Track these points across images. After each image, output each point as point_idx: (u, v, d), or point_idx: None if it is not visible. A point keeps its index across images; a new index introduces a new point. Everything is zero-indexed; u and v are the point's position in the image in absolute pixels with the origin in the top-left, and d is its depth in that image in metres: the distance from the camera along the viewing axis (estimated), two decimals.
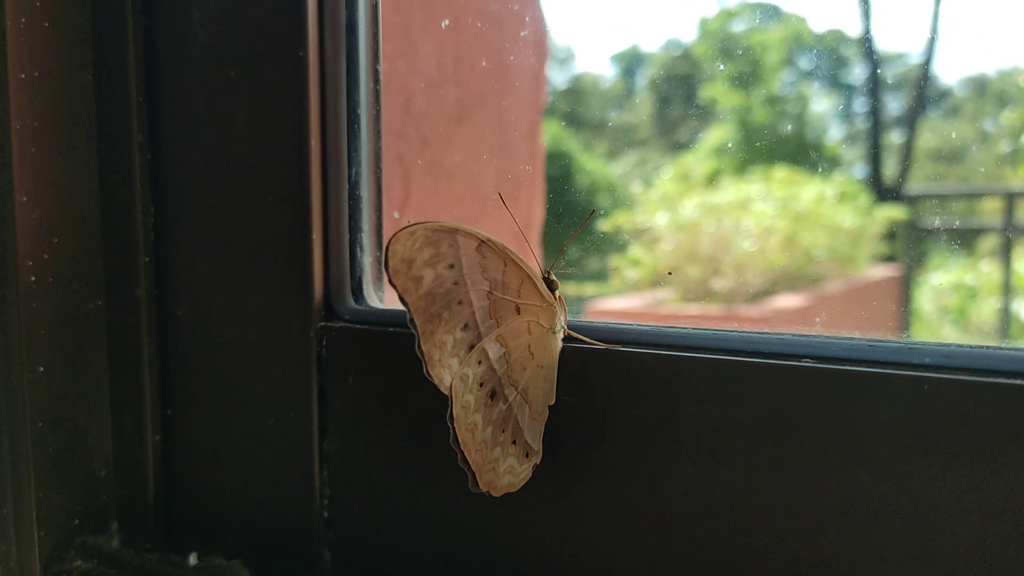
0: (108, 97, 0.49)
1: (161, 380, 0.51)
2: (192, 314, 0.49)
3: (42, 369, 0.49)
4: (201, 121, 0.48)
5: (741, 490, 0.36)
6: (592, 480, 0.39)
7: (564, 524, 0.40)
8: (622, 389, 0.38)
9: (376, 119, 0.46)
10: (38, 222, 0.48)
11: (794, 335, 0.35)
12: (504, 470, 0.37)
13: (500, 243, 0.35)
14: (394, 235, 0.32)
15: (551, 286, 0.37)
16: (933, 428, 0.31)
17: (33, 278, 0.48)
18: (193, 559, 0.50)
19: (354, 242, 0.46)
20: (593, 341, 0.38)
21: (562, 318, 0.38)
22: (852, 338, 0.34)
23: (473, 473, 0.36)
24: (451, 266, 0.34)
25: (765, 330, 0.36)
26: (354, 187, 0.46)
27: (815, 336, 0.35)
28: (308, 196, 0.45)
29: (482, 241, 0.34)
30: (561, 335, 0.38)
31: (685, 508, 0.37)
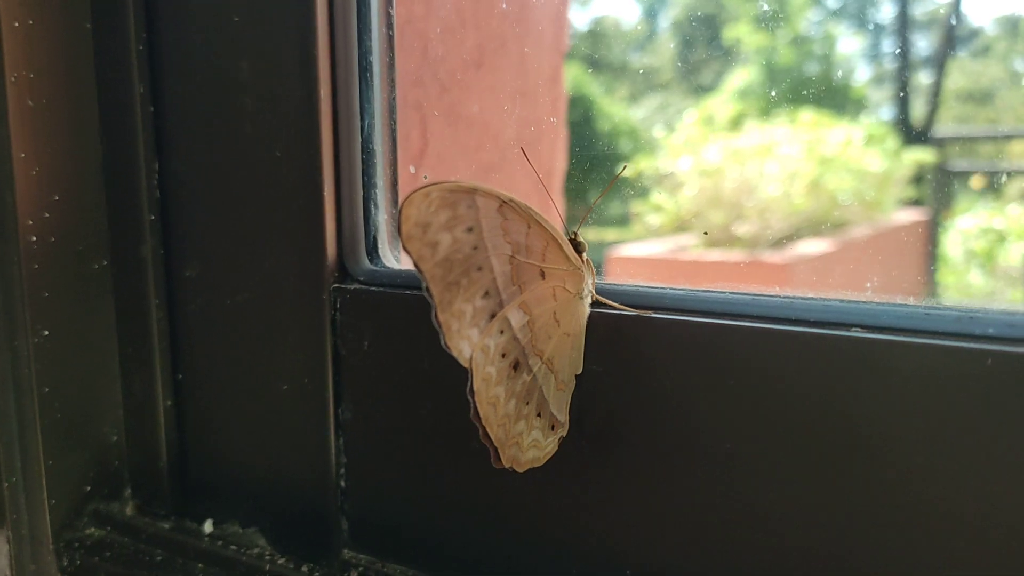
0: (107, 47, 0.47)
1: (171, 343, 0.49)
2: (201, 275, 0.47)
3: (47, 333, 0.47)
4: (204, 71, 0.45)
5: (785, 468, 0.33)
6: (622, 455, 0.37)
7: (590, 500, 0.38)
8: (654, 358, 0.35)
9: (390, 67, 0.43)
10: (38, 179, 0.46)
11: (842, 301, 0.33)
12: (528, 444, 0.35)
13: (523, 203, 0.32)
14: (407, 197, 0.30)
15: (578, 248, 0.35)
16: (997, 406, 0.29)
17: (34, 238, 0.46)
18: (208, 526, 0.49)
19: (368, 199, 0.44)
20: (623, 307, 0.36)
21: (590, 282, 0.35)
22: (906, 305, 0.31)
23: (495, 448, 0.34)
24: (470, 229, 0.31)
25: (810, 295, 0.33)
26: (367, 140, 0.43)
27: (866, 302, 0.32)
28: (318, 150, 0.42)
29: (504, 201, 0.32)
30: (589, 300, 0.36)
31: (722, 487, 0.35)
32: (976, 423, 0.29)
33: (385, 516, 0.44)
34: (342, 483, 0.45)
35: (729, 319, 0.34)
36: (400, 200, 0.31)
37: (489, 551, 0.41)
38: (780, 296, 0.34)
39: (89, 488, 0.50)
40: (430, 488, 0.43)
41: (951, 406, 0.30)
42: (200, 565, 0.46)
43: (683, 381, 0.35)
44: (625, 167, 0.36)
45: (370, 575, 0.44)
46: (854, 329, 0.31)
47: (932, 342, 0.30)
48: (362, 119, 0.43)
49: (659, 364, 0.35)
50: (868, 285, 0.33)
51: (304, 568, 0.45)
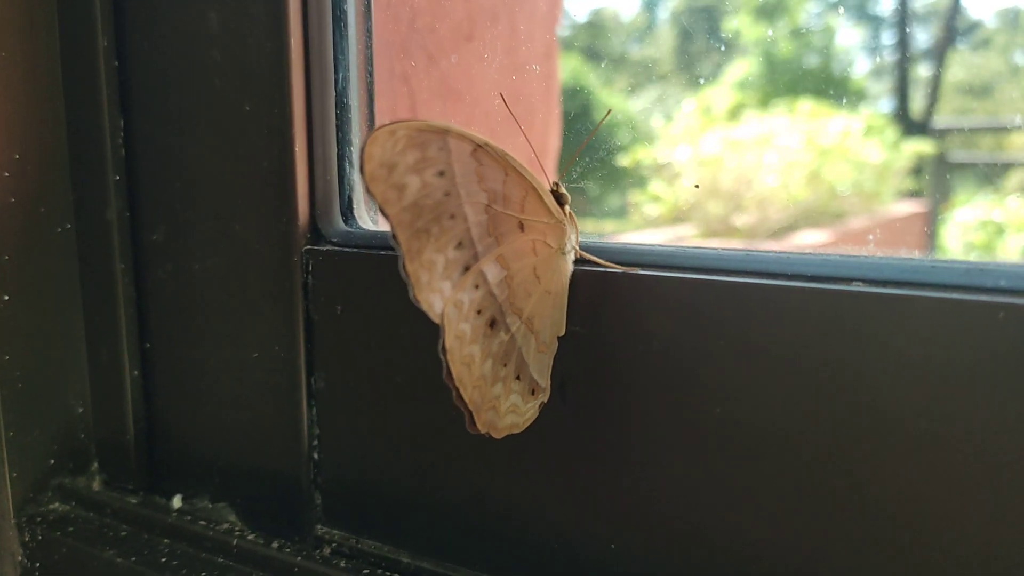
0: None
1: (138, 310, 0.47)
2: (168, 239, 0.45)
3: (7, 298, 0.45)
4: (171, 22, 0.43)
5: (781, 434, 0.31)
6: (606, 421, 0.35)
7: (573, 470, 0.36)
8: (642, 318, 0.33)
9: (366, 15, 0.41)
10: None
11: (842, 256, 0.30)
12: (506, 409, 0.32)
13: (499, 148, 0.30)
14: (370, 134, 0.27)
15: (560, 200, 0.32)
16: (1010, 362, 0.27)
17: None
18: (177, 502, 0.47)
19: (342, 156, 0.41)
20: (609, 263, 0.34)
21: (573, 237, 0.33)
22: (911, 258, 0.29)
23: (471, 412, 0.31)
24: (441, 173, 0.29)
25: (808, 250, 0.31)
26: (341, 94, 0.41)
27: (867, 256, 0.30)
28: (289, 104, 0.40)
29: (478, 145, 0.29)
30: (572, 256, 0.33)
31: (714, 455, 0.33)
32: (987, 380, 0.27)
33: (360, 490, 0.42)
34: (315, 455, 0.43)
35: (721, 275, 0.32)
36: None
37: (468, 525, 0.39)
38: (775, 251, 0.31)
39: (53, 462, 0.48)
40: (407, 460, 0.40)
41: (960, 363, 0.27)
42: (166, 541, 0.44)
43: (672, 342, 0.33)
44: (610, 112, 0.34)
45: (344, 551, 0.42)
46: (855, 283, 0.29)
47: (939, 295, 0.28)
48: (336, 72, 0.41)
49: (647, 324, 0.33)
50: (870, 238, 0.31)
51: (275, 544, 0.43)
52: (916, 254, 0.29)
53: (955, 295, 0.27)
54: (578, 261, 0.34)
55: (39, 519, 0.46)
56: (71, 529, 0.46)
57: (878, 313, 0.28)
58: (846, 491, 0.30)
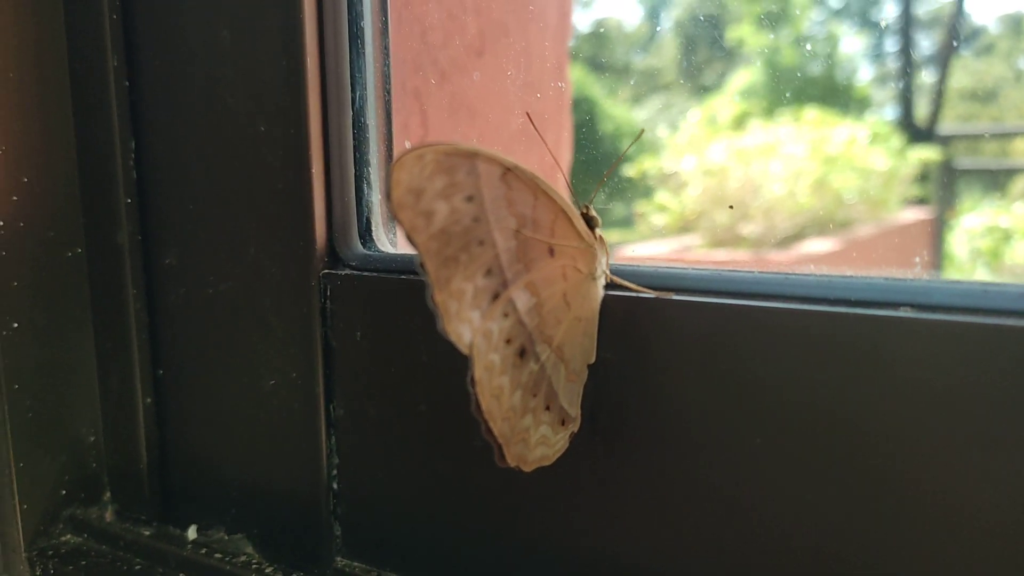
0: (79, 17, 0.44)
1: (150, 337, 0.46)
2: (181, 263, 0.44)
3: (16, 326, 0.44)
4: (183, 40, 0.42)
5: (824, 466, 0.30)
6: (640, 453, 0.33)
7: (604, 502, 0.35)
8: (676, 345, 0.32)
9: (383, 33, 0.40)
10: (5, 160, 0.43)
11: (887, 279, 0.29)
12: (536, 441, 0.31)
13: (529, 170, 0.29)
14: (397, 159, 0.26)
15: (591, 223, 0.31)
16: None
17: (1, 223, 0.43)
18: (192, 533, 0.46)
19: (360, 177, 0.40)
20: (641, 288, 0.32)
21: (604, 261, 0.32)
22: (961, 282, 0.28)
23: (500, 445, 0.30)
24: (470, 198, 0.28)
25: (851, 274, 0.30)
26: (359, 114, 0.40)
27: (914, 280, 0.29)
28: (305, 124, 0.39)
29: (508, 168, 0.28)
30: (603, 281, 0.32)
31: (754, 487, 0.31)
32: None
33: (381, 521, 0.41)
34: (335, 485, 0.41)
35: (759, 300, 0.30)
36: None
37: (494, 559, 0.38)
38: (816, 275, 0.30)
39: (65, 492, 0.47)
40: (430, 490, 0.39)
41: (1019, 392, 0.26)
42: (182, 574, 0.43)
43: (707, 370, 0.31)
44: (643, 131, 0.33)
45: None
46: (903, 308, 0.28)
47: (994, 321, 0.26)
48: (353, 91, 0.40)
49: (681, 351, 0.32)
50: (916, 260, 0.30)
51: None
52: (967, 277, 0.28)
53: (1011, 321, 0.26)
54: (609, 286, 0.33)
55: (51, 552, 0.45)
56: (83, 563, 0.44)
57: (929, 340, 0.27)
58: (896, 520, 0.29)
